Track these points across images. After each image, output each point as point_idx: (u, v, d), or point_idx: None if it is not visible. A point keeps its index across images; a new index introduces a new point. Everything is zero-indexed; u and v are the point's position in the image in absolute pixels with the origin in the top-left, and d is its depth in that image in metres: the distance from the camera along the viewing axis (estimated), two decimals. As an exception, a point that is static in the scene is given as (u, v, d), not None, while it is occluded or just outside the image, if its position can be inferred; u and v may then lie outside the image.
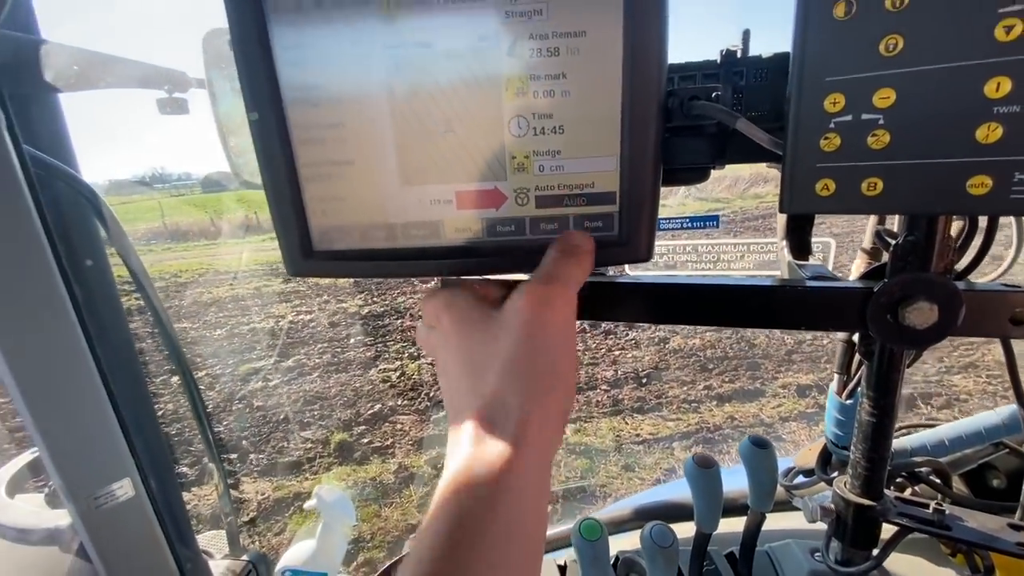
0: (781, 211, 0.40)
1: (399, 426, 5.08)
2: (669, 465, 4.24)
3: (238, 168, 0.95)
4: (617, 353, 6.23)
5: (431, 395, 5.59)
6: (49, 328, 0.84)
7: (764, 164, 0.47)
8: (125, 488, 0.94)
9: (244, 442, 4.96)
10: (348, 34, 0.42)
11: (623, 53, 0.40)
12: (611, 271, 0.54)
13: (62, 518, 1.09)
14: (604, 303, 0.52)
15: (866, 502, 0.53)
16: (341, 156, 0.46)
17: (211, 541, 1.31)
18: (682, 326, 6.53)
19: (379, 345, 6.95)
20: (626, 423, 4.90)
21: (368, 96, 0.44)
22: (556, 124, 0.43)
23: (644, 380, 5.62)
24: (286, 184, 0.46)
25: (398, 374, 6.10)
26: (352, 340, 7.15)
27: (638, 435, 4.67)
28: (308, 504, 1.41)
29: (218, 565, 1.22)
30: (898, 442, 0.77)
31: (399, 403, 5.48)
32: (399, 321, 7.70)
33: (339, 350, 6.86)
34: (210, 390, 5.95)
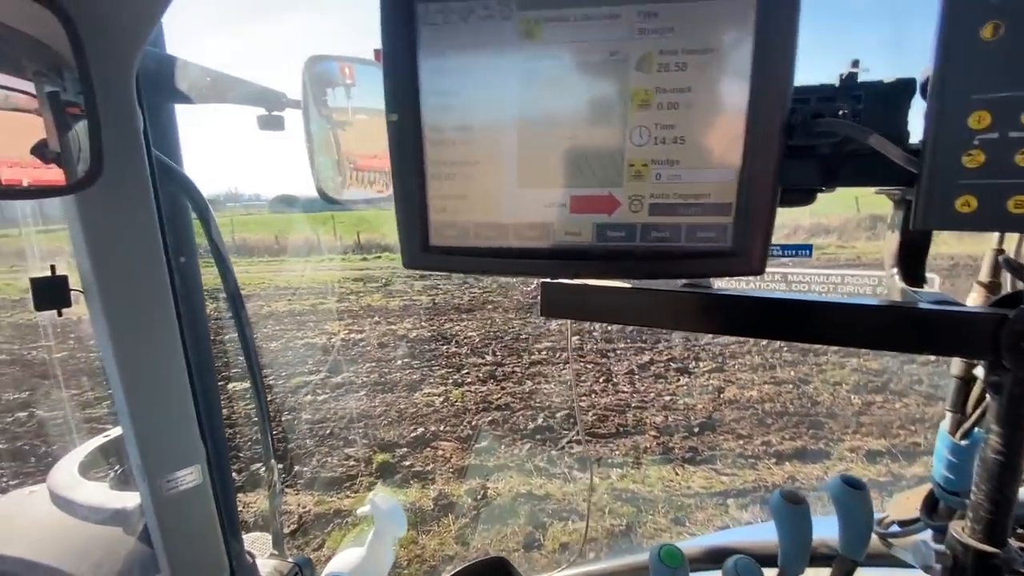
0: (914, 227, 0.40)
1: (440, 452, 5.08)
2: (722, 523, 4.01)
3: (320, 183, 1.02)
4: (668, 399, 6.03)
5: (473, 423, 5.58)
6: (152, 316, 0.92)
7: (872, 191, 0.47)
8: (194, 475, 1.01)
9: (291, 454, 5.10)
10: (488, 47, 0.46)
11: (751, 69, 0.42)
12: (715, 283, 0.55)
13: (128, 501, 1.18)
14: (709, 316, 0.52)
15: (989, 549, 0.49)
16: (467, 157, 0.49)
17: (253, 543, 1.34)
18: (737, 375, 6.29)
19: (425, 369, 7.05)
20: (676, 473, 4.70)
21: (499, 103, 0.47)
22: (678, 135, 0.45)
23: (696, 429, 5.40)
24: (413, 181, 0.50)
25: (442, 399, 6.15)
26: (399, 362, 7.29)
27: (689, 487, 4.47)
28: (361, 510, 1.43)
29: (265, 564, 1.26)
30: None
31: (441, 428, 5.50)
32: (445, 347, 7.80)
33: (386, 371, 7.01)
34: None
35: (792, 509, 0.63)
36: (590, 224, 0.49)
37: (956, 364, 0.63)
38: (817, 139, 0.44)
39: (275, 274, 13.99)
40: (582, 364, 6.93)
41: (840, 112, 0.43)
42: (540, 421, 5.57)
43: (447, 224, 0.52)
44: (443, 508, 4.26)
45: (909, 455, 4.73)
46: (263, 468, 1.27)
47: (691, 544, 1.01)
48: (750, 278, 0.64)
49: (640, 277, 0.53)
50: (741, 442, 5.17)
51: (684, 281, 0.54)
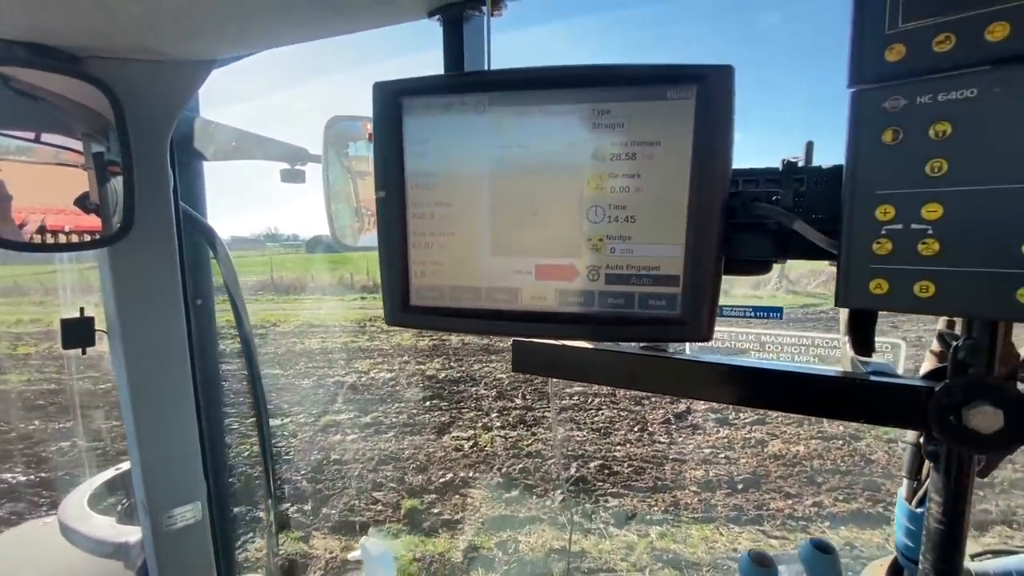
0: (836, 305, 0.45)
1: (470, 499, 5.05)
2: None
3: (335, 230, 1.13)
4: (707, 451, 5.87)
5: (503, 469, 5.55)
6: (167, 356, 1.03)
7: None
8: (194, 512, 1.09)
9: (319, 495, 5.17)
10: (463, 134, 0.55)
11: (692, 159, 0.49)
12: (671, 347, 0.60)
13: (131, 535, 1.28)
14: (662, 377, 0.58)
15: (940, 622, 0.51)
16: (444, 229, 0.58)
17: None
18: (781, 428, 6.08)
19: (453, 411, 7.09)
20: (720, 533, 4.53)
21: (473, 183, 0.56)
22: (629, 214, 0.52)
23: (740, 486, 5.22)
24: (397, 249, 0.59)
25: (471, 444, 6.15)
26: (427, 403, 7.36)
27: (735, 550, 4.29)
28: (352, 555, 1.49)
29: None
30: (979, 566, 0.71)
31: (471, 475, 5.48)
32: (474, 388, 7.84)
33: (415, 412, 7.09)
34: (292, 437, 6.41)
35: (760, 572, 0.66)
36: (554, 290, 0.56)
37: (910, 431, 0.66)
38: (757, 219, 0.50)
39: (309, 311, 14.47)
40: (616, 411, 6.84)
41: (774, 198, 0.50)
42: (573, 471, 5.49)
43: (426, 287, 0.60)
44: (474, 561, 4.20)
45: (980, 525, 4.43)
46: (262, 510, 1.34)
47: None
48: (725, 337, 0.70)
49: (599, 340, 0.59)
50: (790, 502, 4.97)
51: (642, 344, 0.60)
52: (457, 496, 5.12)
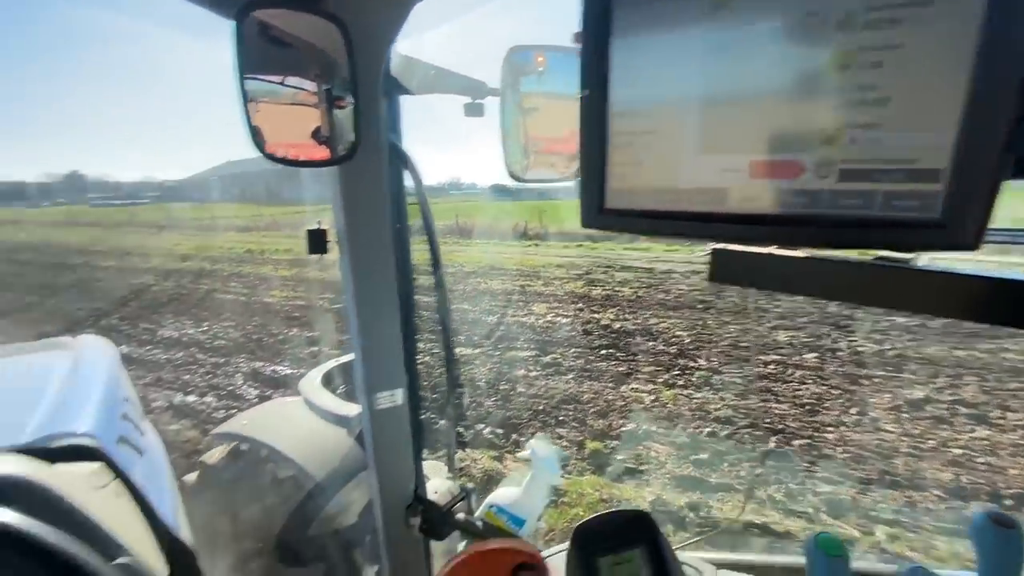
0: None
1: (653, 453, 5.06)
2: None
3: (509, 166, 1.16)
4: (957, 451, 4.87)
5: (688, 430, 5.42)
6: (377, 265, 1.22)
7: None
8: (397, 397, 1.33)
9: (508, 422, 5.65)
10: (679, 20, 0.51)
11: (980, 21, 0.39)
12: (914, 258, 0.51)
13: (351, 410, 1.73)
14: (901, 291, 0.49)
15: None
16: (647, 127, 0.56)
17: (428, 469, 1.66)
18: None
19: (631, 363, 7.08)
20: (981, 553, 3.85)
21: (687, 75, 0.52)
22: (880, 96, 0.44)
23: (1010, 502, 4.22)
24: (597, 150, 0.59)
25: (652, 398, 6.11)
26: (603, 352, 7.47)
27: None
28: (521, 454, 1.63)
29: (441, 484, 1.60)
30: None
31: (653, 429, 5.48)
32: (651, 343, 7.72)
33: (591, 358, 7.27)
34: (483, 367, 7.13)
35: (1001, 533, 0.56)
36: (771, 189, 0.50)
37: None
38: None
39: (489, 255, 15.63)
40: (825, 388, 6.13)
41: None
42: (772, 445, 5.12)
43: (623, 189, 0.59)
44: (663, 515, 4.20)
45: None
46: (449, 407, 1.59)
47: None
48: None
49: (823, 246, 0.52)
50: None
51: (874, 255, 0.51)
52: (640, 447, 5.11)
